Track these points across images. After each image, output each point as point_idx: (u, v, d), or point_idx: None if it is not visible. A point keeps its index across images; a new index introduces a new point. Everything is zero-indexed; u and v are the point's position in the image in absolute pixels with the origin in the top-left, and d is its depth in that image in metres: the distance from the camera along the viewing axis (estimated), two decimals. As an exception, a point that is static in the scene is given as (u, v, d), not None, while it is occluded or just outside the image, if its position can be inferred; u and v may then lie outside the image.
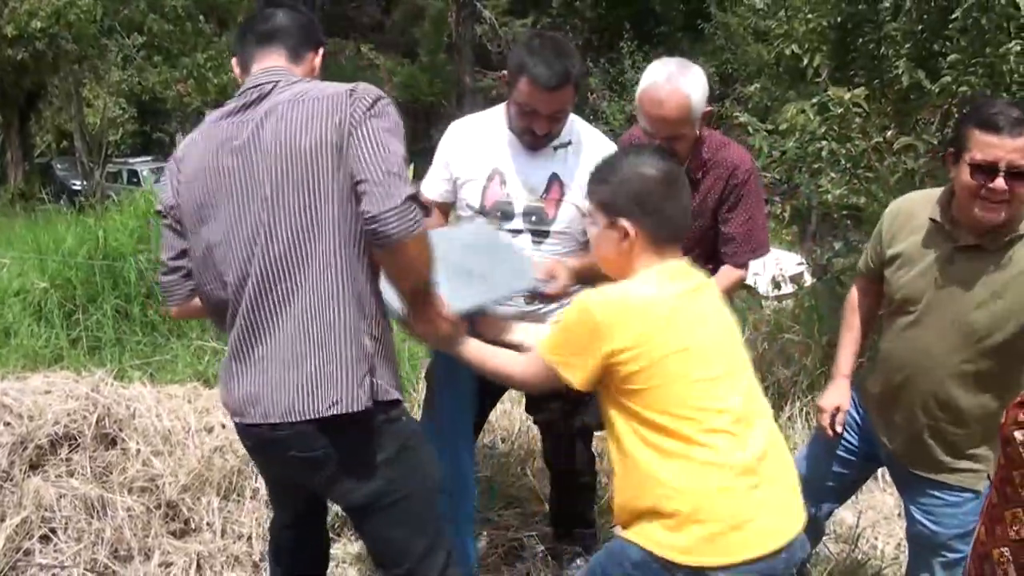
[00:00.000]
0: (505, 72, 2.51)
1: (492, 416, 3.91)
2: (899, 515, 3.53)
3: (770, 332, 5.12)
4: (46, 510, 2.95)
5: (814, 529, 2.85)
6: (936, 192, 2.36)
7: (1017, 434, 1.84)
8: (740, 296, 5.00)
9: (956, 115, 4.63)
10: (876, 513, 3.62)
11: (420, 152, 3.65)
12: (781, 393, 4.68)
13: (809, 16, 5.49)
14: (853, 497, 3.10)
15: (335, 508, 3.18)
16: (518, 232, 2.57)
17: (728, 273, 2.78)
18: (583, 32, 22.73)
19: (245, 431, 2.01)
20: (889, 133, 4.97)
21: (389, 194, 1.77)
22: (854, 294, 2.68)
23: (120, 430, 3.25)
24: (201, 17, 19.43)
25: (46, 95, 24.51)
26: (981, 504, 2.18)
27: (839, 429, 2.58)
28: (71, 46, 18.72)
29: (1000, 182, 2.09)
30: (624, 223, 1.83)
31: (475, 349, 2.05)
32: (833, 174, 5.30)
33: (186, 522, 3.12)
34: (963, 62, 4.51)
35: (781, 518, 1.78)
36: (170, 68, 19.01)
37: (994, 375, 2.25)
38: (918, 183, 4.55)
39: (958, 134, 2.22)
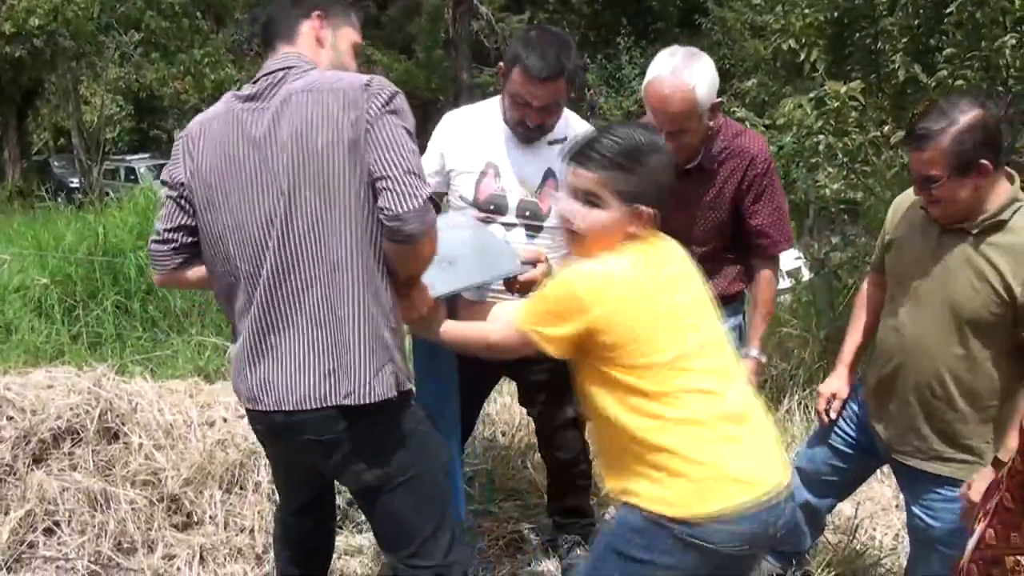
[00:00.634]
0: (502, 64, 2.52)
1: (492, 410, 3.94)
2: (897, 506, 3.56)
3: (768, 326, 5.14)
4: (49, 503, 2.97)
5: (815, 522, 2.89)
6: None
7: None
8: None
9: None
10: (874, 504, 3.64)
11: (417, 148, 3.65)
12: (779, 387, 4.71)
13: (806, 11, 5.51)
14: (851, 488, 3.12)
15: (336, 500, 3.21)
16: (511, 226, 2.57)
17: (766, 281, 2.78)
18: (580, 28, 22.72)
19: (257, 417, 2.03)
20: (886, 128, 4.99)
21: (411, 194, 1.81)
22: (864, 288, 2.73)
23: (122, 424, 3.26)
24: (198, 14, 19.38)
25: (43, 92, 24.45)
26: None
27: (834, 415, 2.63)
28: (69, 43, 18.68)
29: (923, 190, 2.27)
30: (646, 210, 1.88)
31: (451, 327, 2.10)
32: (830, 168, 5.33)
33: (188, 515, 3.14)
34: (959, 56, 4.53)
35: (764, 465, 1.83)
36: (167, 65, 18.97)
37: (986, 359, 2.27)
38: (915, 177, 4.57)
39: None
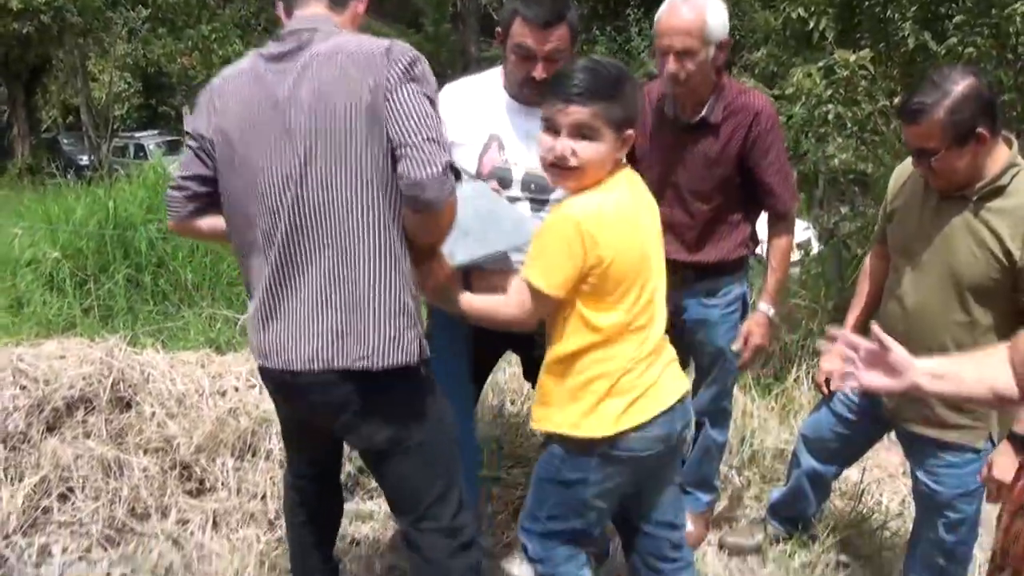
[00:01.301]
0: (499, 29, 2.48)
1: (501, 378, 3.95)
2: (904, 473, 3.57)
3: (777, 297, 5.14)
4: (63, 470, 3.01)
5: (821, 488, 2.91)
6: None
7: None
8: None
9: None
10: (881, 471, 3.66)
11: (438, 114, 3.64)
12: (788, 357, 4.72)
13: (815, -21, 5.47)
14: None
15: (347, 468, 3.24)
16: (516, 200, 2.53)
17: (780, 246, 2.79)
18: (589, 0, 22.55)
19: (268, 374, 2.05)
20: (896, 97, 4.96)
21: (430, 161, 1.80)
22: (868, 260, 2.72)
23: (134, 394, 3.30)
24: (205, -11, 19.36)
25: (51, 69, 24.47)
26: (981, 463, 2.23)
27: (834, 388, 2.65)
28: (76, 19, 18.69)
29: (920, 162, 2.29)
30: (630, 134, 1.98)
31: (468, 299, 2.12)
32: (840, 138, 5.30)
33: (201, 482, 3.18)
34: (969, 23, 4.50)
35: (673, 381, 2.11)
36: (175, 40, 18.95)
37: (988, 325, 2.28)
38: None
39: None
